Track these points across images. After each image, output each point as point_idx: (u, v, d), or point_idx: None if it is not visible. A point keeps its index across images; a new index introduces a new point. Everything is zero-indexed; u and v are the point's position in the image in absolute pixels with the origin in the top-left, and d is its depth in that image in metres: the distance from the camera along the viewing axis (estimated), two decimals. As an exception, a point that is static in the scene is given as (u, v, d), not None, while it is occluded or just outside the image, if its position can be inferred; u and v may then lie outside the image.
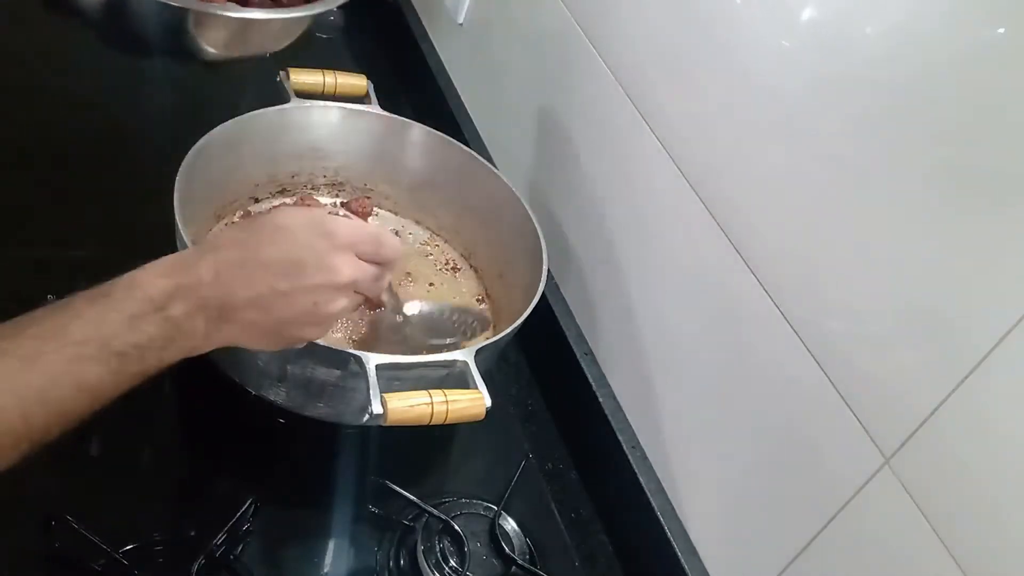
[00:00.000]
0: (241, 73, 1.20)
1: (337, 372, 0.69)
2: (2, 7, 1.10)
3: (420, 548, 0.72)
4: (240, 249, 0.57)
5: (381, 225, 0.67)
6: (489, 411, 0.67)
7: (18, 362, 0.47)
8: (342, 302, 0.59)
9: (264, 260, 0.57)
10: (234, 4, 0.94)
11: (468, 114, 1.13)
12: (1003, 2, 0.51)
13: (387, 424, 0.62)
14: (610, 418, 0.84)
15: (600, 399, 0.86)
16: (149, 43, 0.95)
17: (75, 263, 0.86)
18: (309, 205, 0.88)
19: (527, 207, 0.86)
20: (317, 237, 0.58)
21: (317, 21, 1.30)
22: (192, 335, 0.55)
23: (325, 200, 0.94)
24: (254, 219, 0.61)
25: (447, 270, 0.93)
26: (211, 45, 0.95)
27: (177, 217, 0.70)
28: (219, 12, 0.91)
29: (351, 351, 0.66)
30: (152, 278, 0.54)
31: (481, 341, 0.73)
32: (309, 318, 0.59)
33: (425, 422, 0.64)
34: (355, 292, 0.60)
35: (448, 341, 0.82)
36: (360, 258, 0.60)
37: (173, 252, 0.72)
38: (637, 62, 0.81)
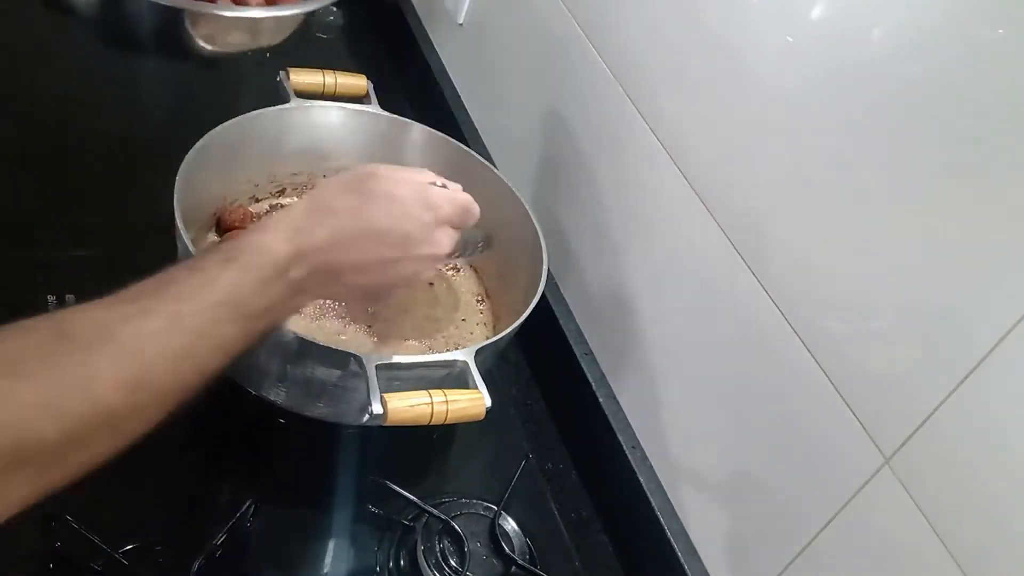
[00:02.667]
0: (241, 73, 1.20)
1: (337, 372, 0.69)
2: (1, 7, 1.10)
3: (420, 548, 0.72)
4: (355, 218, 0.60)
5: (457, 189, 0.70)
6: (489, 411, 0.67)
7: (165, 322, 0.49)
8: (436, 268, 0.65)
9: (378, 230, 0.61)
10: (229, 2, 0.94)
11: (468, 114, 1.13)
12: (1004, 1, 0.51)
13: (387, 424, 0.62)
14: (610, 418, 0.84)
15: (600, 399, 0.86)
16: (144, 41, 0.96)
17: (75, 263, 0.86)
18: None
19: (527, 207, 0.86)
20: (424, 210, 0.63)
21: (317, 21, 1.31)
22: (306, 295, 0.60)
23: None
24: (364, 180, 0.63)
25: (447, 269, 0.93)
26: (207, 42, 0.96)
27: (177, 217, 0.70)
28: (213, 11, 0.91)
29: (351, 351, 0.66)
30: (277, 243, 0.56)
31: (481, 341, 0.73)
32: (406, 281, 0.65)
33: (425, 422, 0.64)
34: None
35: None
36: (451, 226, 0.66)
37: (174, 252, 0.73)
38: (637, 62, 0.81)
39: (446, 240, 0.65)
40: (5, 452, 0.42)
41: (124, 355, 0.47)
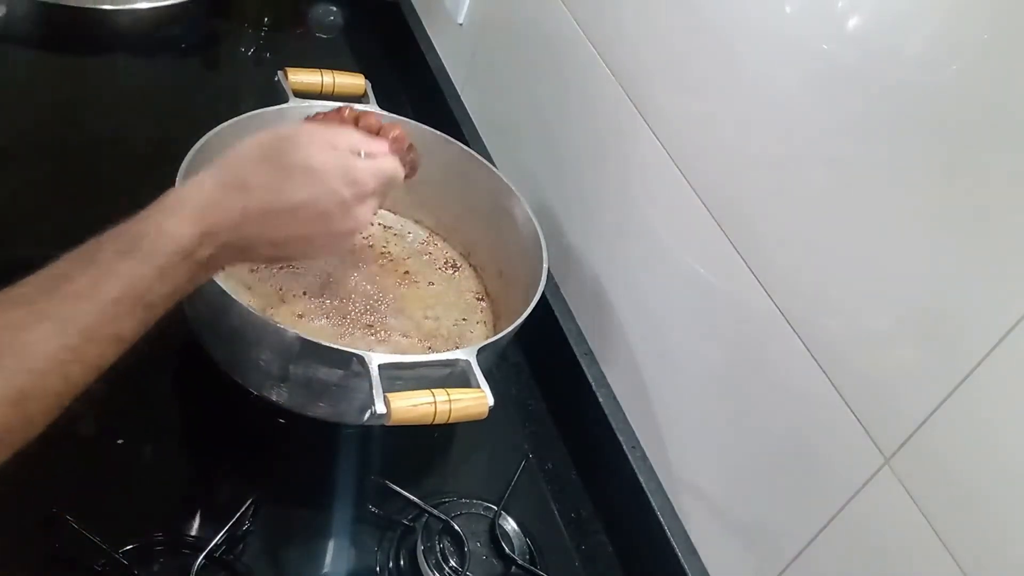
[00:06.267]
0: (241, 73, 1.20)
1: (339, 372, 0.69)
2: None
3: (420, 548, 0.72)
4: (269, 195, 0.57)
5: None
6: (489, 411, 0.67)
7: (58, 325, 0.47)
8: (355, 239, 0.63)
9: (292, 207, 0.57)
10: None
11: (468, 114, 1.13)
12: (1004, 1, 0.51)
13: (390, 424, 0.62)
14: (610, 418, 0.84)
15: (600, 399, 0.86)
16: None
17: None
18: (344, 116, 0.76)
19: (527, 207, 0.87)
20: (345, 186, 0.59)
21: (317, 20, 1.31)
22: (215, 268, 0.57)
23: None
24: (281, 150, 0.58)
25: (447, 268, 0.93)
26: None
27: (178, 217, 0.70)
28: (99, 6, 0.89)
29: (353, 351, 0.66)
30: (182, 227, 0.53)
31: (482, 341, 0.73)
32: (322, 253, 0.63)
33: (428, 421, 0.64)
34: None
35: None
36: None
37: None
38: (637, 62, 0.81)
39: (367, 213, 0.61)
40: None
41: (13, 370, 0.45)
